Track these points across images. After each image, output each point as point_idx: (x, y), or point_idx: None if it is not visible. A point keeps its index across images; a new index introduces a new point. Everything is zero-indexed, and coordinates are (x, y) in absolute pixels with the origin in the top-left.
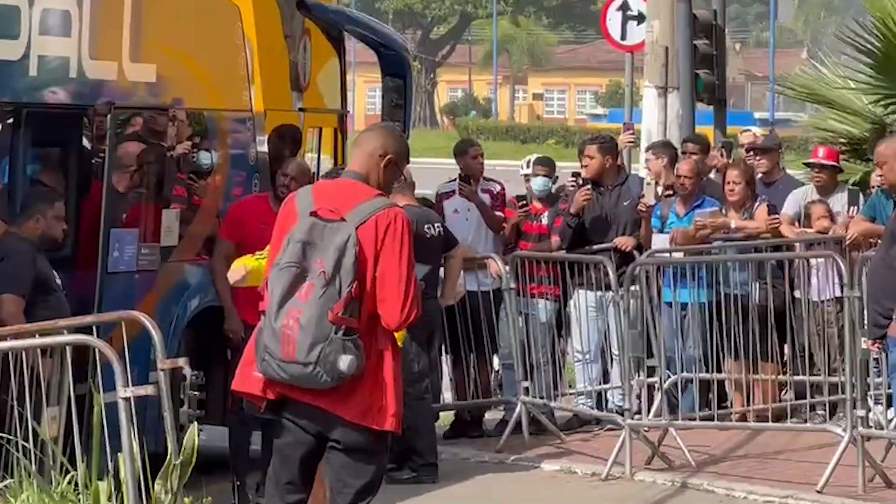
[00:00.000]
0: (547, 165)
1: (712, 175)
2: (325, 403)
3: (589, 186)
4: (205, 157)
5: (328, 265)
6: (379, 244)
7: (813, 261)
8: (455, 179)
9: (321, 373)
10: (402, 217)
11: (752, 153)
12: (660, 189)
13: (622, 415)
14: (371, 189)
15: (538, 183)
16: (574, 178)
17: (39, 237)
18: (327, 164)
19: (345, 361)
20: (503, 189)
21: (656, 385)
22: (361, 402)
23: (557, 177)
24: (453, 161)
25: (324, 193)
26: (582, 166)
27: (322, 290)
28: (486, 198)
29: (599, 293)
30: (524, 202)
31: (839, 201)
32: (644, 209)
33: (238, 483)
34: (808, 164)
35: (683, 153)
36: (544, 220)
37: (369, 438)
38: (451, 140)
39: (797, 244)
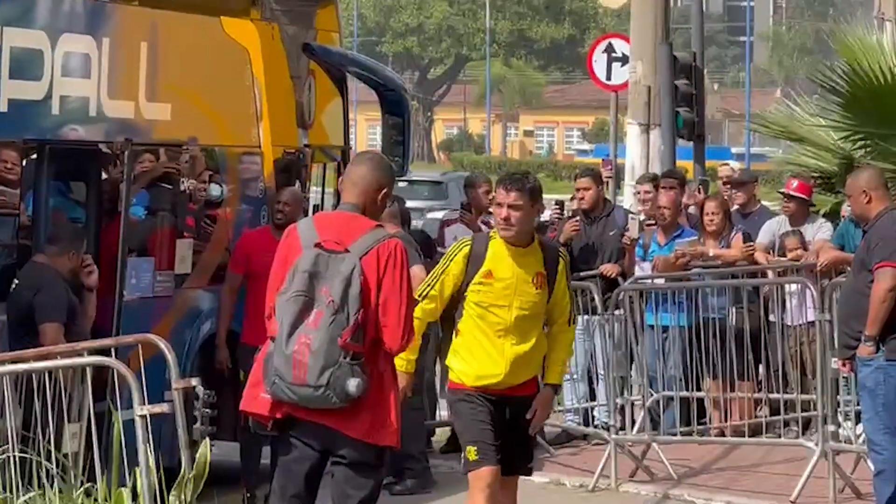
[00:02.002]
0: None
1: (692, 210)
2: (330, 422)
3: (577, 218)
4: (216, 191)
5: (336, 294)
6: (381, 273)
7: (789, 287)
8: (459, 209)
9: (332, 395)
10: (401, 247)
11: (729, 186)
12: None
13: (608, 430)
14: (369, 221)
15: None
16: (557, 207)
17: (69, 272)
18: (330, 197)
19: (353, 384)
20: None
21: (639, 403)
22: (365, 421)
23: (556, 207)
24: None
25: (325, 225)
26: (577, 199)
27: (332, 317)
28: (484, 229)
29: (586, 317)
30: None
31: (810, 232)
32: (629, 242)
33: (248, 495)
34: (781, 193)
35: (663, 187)
36: None
37: (372, 454)
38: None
39: (769, 271)
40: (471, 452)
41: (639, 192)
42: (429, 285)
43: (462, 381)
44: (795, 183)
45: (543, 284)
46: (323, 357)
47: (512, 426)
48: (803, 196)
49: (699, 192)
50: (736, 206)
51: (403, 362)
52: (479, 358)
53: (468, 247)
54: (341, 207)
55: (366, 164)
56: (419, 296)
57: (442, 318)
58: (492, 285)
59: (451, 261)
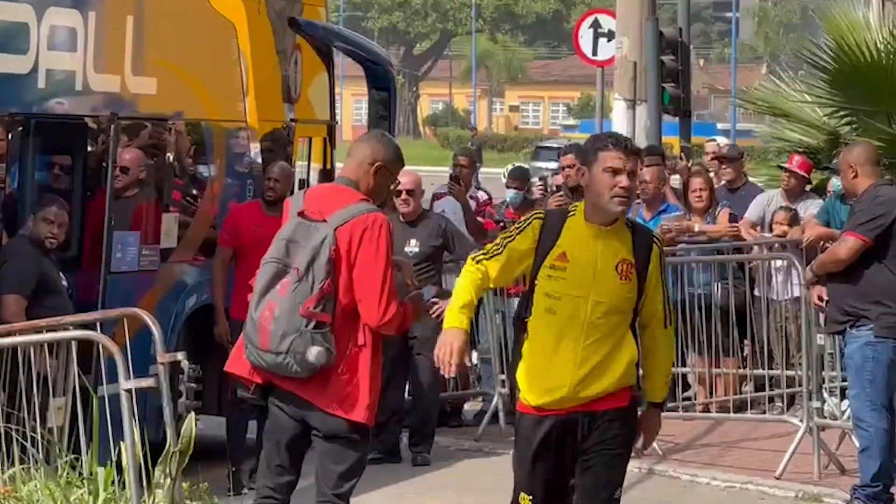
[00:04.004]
0: (519, 178)
1: (675, 180)
2: (302, 391)
3: (561, 193)
4: (202, 165)
5: (302, 262)
6: (356, 246)
7: (775, 262)
8: (448, 182)
9: (291, 363)
10: (382, 222)
11: (717, 161)
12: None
13: None
14: (357, 194)
15: (510, 195)
16: (541, 182)
17: (30, 238)
18: (316, 171)
19: (313, 353)
20: (489, 199)
21: None
22: (335, 393)
23: (539, 182)
24: (435, 169)
25: (314, 197)
26: (563, 175)
27: (294, 285)
28: (471, 203)
29: None
30: (503, 224)
31: (804, 208)
32: None
33: (234, 469)
34: (781, 167)
35: (646, 165)
36: None
37: (345, 427)
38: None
39: (755, 247)
40: (524, 500)
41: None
42: (484, 253)
43: (527, 400)
44: (798, 159)
45: (631, 274)
46: (284, 324)
47: (591, 448)
48: (804, 173)
49: (681, 160)
50: (723, 182)
51: (455, 316)
52: (546, 365)
53: (539, 220)
54: (336, 181)
55: (364, 139)
56: (474, 259)
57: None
58: (565, 271)
59: (519, 232)
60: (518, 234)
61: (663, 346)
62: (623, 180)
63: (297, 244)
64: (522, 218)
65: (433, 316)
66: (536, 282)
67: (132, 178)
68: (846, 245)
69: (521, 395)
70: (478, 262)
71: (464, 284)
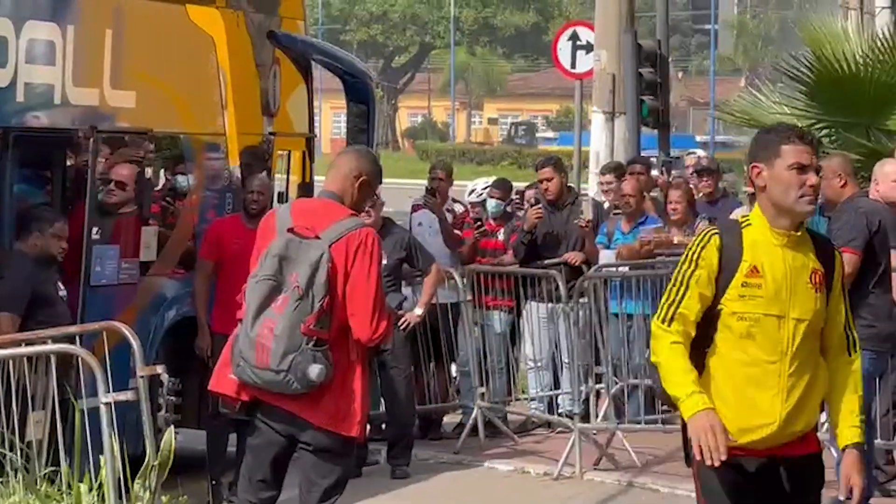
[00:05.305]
0: (501, 188)
1: (655, 193)
2: (295, 408)
3: (541, 205)
4: (181, 178)
5: (302, 280)
6: (350, 262)
7: None
8: (423, 194)
9: (292, 380)
10: (373, 237)
11: (697, 174)
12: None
13: (572, 419)
14: (345, 209)
15: (492, 205)
16: (518, 197)
17: (38, 254)
18: (295, 185)
19: (314, 371)
20: (466, 212)
21: (604, 391)
22: (330, 409)
23: (513, 199)
24: (413, 181)
25: (301, 211)
26: (542, 189)
27: (296, 303)
28: (447, 216)
29: (551, 305)
30: (479, 222)
31: None
32: (584, 224)
33: (214, 482)
34: (746, 191)
35: (630, 174)
36: (500, 237)
37: (337, 442)
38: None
39: None
40: None
41: (601, 183)
42: (669, 303)
43: None
44: None
45: (822, 286)
46: (285, 342)
47: (790, 499)
48: None
49: (662, 174)
50: (702, 195)
51: (697, 398)
52: (741, 402)
53: (717, 236)
54: (320, 194)
55: (347, 153)
56: (661, 319)
57: None
58: (760, 288)
59: (697, 259)
60: (696, 258)
61: (855, 377)
62: (812, 177)
63: (290, 261)
64: (693, 241)
65: (401, 329)
66: (722, 305)
67: (129, 193)
68: (850, 262)
69: None
70: (667, 324)
71: (674, 360)
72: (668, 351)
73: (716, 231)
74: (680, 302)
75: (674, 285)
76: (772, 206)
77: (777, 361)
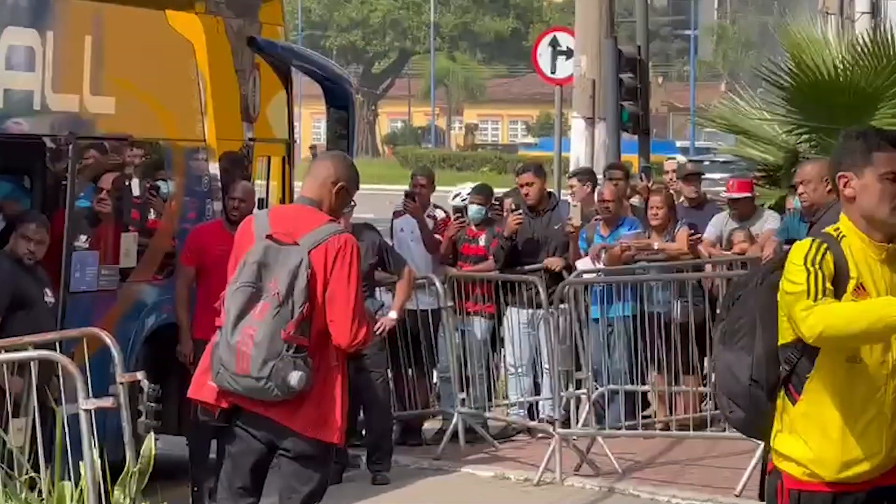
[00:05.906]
0: (482, 194)
1: (635, 200)
2: (275, 415)
3: (521, 211)
4: (161, 184)
5: (282, 287)
6: (329, 268)
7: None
8: (403, 199)
9: (272, 387)
10: (352, 243)
11: (683, 180)
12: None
13: (552, 424)
14: (323, 215)
15: (473, 210)
16: (497, 204)
17: (10, 254)
18: (275, 190)
19: (295, 377)
20: (448, 218)
21: (584, 396)
22: (310, 415)
23: (495, 203)
24: (393, 187)
25: (279, 218)
26: (522, 195)
27: (276, 310)
28: (429, 222)
29: (531, 311)
30: (459, 215)
31: (758, 226)
32: (572, 229)
33: (195, 489)
34: (723, 198)
35: (609, 179)
36: (481, 243)
37: (317, 448)
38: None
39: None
40: None
41: (569, 185)
42: (810, 290)
43: (816, 474)
44: (735, 184)
45: None
46: (265, 349)
47: None
48: (746, 194)
49: (642, 180)
50: (682, 199)
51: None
52: (845, 432)
53: (826, 246)
54: (298, 201)
55: (324, 159)
56: (811, 299)
57: None
58: None
59: (820, 269)
60: (821, 271)
61: None
62: None
63: (269, 268)
64: (801, 252)
65: (377, 333)
66: None
67: (109, 200)
68: None
69: (798, 469)
70: (815, 300)
71: (841, 307)
72: (830, 308)
73: (825, 243)
74: (822, 289)
75: (809, 282)
76: (862, 218)
77: (882, 385)
